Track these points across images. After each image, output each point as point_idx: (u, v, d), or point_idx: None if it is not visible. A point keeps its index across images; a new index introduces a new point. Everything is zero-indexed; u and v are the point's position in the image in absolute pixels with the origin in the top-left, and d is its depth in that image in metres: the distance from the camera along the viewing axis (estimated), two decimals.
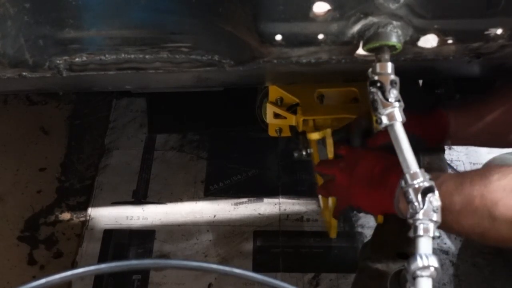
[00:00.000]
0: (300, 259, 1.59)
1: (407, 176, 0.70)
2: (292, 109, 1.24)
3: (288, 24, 0.70)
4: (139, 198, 1.74)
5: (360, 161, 0.96)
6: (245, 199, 1.73)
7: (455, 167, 1.76)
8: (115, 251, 1.61)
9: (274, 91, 1.24)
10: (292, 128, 1.29)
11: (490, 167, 0.77)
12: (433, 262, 0.65)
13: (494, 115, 1.05)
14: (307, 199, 1.70)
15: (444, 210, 0.69)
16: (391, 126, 0.70)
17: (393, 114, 0.70)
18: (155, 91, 1.64)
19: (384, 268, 0.99)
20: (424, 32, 0.71)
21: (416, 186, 0.69)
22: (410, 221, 0.68)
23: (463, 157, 1.82)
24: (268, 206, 1.71)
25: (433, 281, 0.65)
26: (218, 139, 1.89)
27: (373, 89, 0.71)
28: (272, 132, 1.30)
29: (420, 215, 0.68)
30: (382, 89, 0.70)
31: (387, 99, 0.70)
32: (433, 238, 0.67)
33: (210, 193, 1.75)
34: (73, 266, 1.58)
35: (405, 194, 0.70)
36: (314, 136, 1.15)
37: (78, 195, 1.77)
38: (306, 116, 1.20)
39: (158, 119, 1.92)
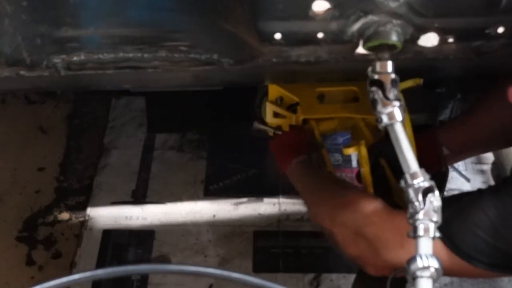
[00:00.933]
0: (301, 260, 1.59)
1: (407, 176, 0.69)
2: (292, 108, 1.24)
3: (288, 22, 0.70)
4: (138, 198, 1.74)
5: (290, 134, 1.24)
6: (245, 199, 1.72)
7: (456, 167, 1.76)
8: (114, 251, 1.61)
9: (274, 90, 1.24)
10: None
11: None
12: (434, 262, 0.64)
13: (482, 123, 1.06)
14: None
15: None
16: (391, 125, 0.70)
17: (393, 113, 0.69)
18: (154, 90, 1.63)
19: None
20: (425, 30, 0.71)
21: (416, 186, 0.68)
22: (410, 221, 0.68)
23: None
24: (268, 206, 1.71)
25: (433, 282, 0.64)
26: (218, 138, 1.88)
27: (373, 88, 0.70)
28: (271, 132, 1.30)
29: (420, 215, 0.67)
30: (382, 88, 0.70)
31: (387, 98, 0.69)
32: (433, 238, 0.67)
33: (210, 193, 1.74)
34: (72, 266, 1.58)
35: (405, 194, 0.69)
36: (349, 151, 1.09)
37: (77, 195, 1.77)
38: (306, 115, 1.20)
39: (157, 118, 1.91)
